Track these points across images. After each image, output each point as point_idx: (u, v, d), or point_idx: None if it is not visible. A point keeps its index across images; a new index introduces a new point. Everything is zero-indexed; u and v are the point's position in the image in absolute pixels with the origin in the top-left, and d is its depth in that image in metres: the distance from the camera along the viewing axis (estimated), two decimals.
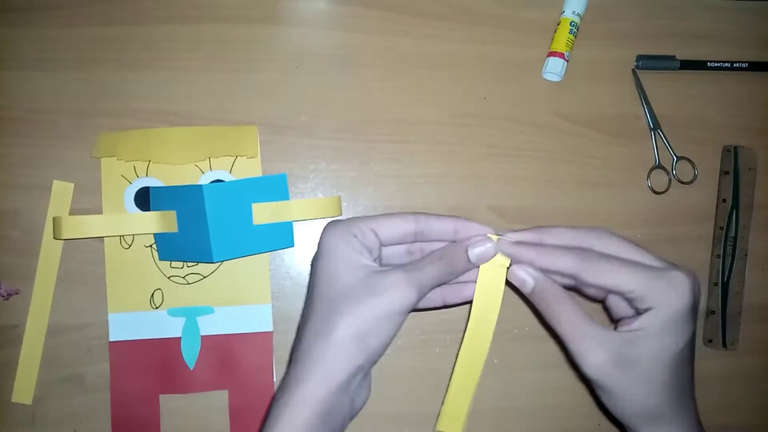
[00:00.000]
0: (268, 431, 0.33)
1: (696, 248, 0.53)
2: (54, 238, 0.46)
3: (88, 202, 0.48)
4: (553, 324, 0.35)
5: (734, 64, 0.53)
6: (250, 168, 0.49)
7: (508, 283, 0.38)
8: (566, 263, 0.34)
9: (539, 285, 0.35)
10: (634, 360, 0.33)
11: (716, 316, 0.52)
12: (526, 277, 0.36)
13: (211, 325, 0.48)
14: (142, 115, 0.49)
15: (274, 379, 0.48)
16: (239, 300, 0.48)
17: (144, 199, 0.47)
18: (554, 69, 0.51)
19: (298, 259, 0.50)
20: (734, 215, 0.53)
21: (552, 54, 0.51)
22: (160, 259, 0.47)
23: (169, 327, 0.47)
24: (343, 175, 0.50)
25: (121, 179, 0.48)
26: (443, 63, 0.52)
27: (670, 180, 0.53)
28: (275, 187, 0.45)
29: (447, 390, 0.39)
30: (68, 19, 0.49)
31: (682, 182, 0.53)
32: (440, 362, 0.50)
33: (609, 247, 0.35)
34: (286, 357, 0.49)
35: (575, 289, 0.38)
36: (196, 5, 0.50)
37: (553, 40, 0.52)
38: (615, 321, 0.38)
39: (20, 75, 0.48)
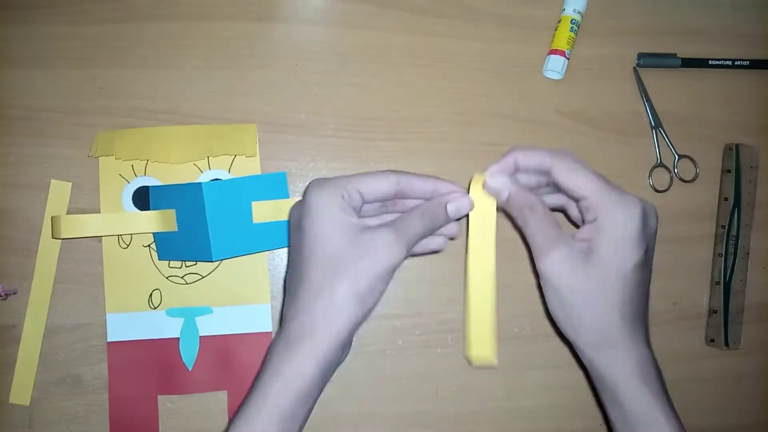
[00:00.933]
0: (269, 383, 0.34)
1: (698, 247, 0.53)
2: (52, 237, 0.46)
3: (85, 202, 0.47)
4: (524, 228, 0.37)
5: (736, 62, 0.53)
6: (248, 167, 0.48)
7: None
8: (544, 158, 0.37)
9: (514, 194, 0.37)
10: (583, 268, 0.35)
11: (718, 315, 0.52)
12: (501, 187, 0.38)
13: (209, 326, 0.47)
14: (140, 114, 0.48)
15: None
16: (238, 300, 0.48)
17: (142, 198, 0.47)
18: (555, 67, 0.51)
19: None
20: (736, 214, 0.52)
21: (553, 52, 0.51)
22: (160, 258, 0.47)
23: (167, 327, 0.47)
24: (342, 173, 0.50)
25: (119, 178, 0.47)
26: (443, 61, 0.51)
27: (671, 178, 0.53)
28: (275, 186, 0.45)
29: (467, 318, 0.39)
30: (67, 17, 0.48)
31: (684, 180, 0.53)
32: (442, 362, 0.50)
33: (574, 161, 0.37)
34: None
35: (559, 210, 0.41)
36: (195, 3, 0.49)
37: (554, 37, 0.51)
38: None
39: (18, 73, 0.48)
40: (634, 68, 0.53)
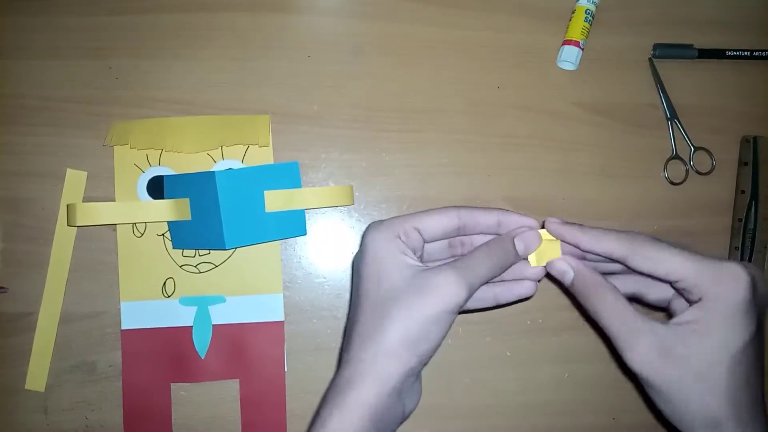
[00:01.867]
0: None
1: (714, 240, 0.52)
2: (68, 225, 0.46)
3: (100, 191, 0.48)
4: (596, 316, 0.33)
5: (754, 53, 0.52)
6: (262, 157, 0.48)
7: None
8: (613, 245, 0.33)
9: (579, 275, 0.34)
10: (684, 355, 0.31)
11: None
12: (566, 268, 0.35)
13: (222, 315, 0.48)
14: (154, 104, 0.49)
15: (285, 369, 0.48)
16: (251, 289, 0.48)
17: (156, 188, 0.47)
18: (569, 58, 0.50)
19: (309, 248, 0.49)
20: (753, 207, 0.52)
21: (567, 42, 0.51)
22: (174, 247, 0.47)
23: (180, 316, 0.47)
24: (355, 165, 0.50)
25: (134, 168, 0.48)
26: (457, 51, 0.51)
27: (687, 171, 0.52)
28: (287, 175, 0.45)
29: None
30: (82, 8, 0.49)
31: (700, 173, 0.52)
32: (453, 354, 0.50)
33: (653, 243, 0.33)
34: (297, 347, 0.48)
35: (633, 298, 0.37)
36: None
37: (568, 28, 0.51)
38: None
39: (34, 63, 0.48)
40: (650, 59, 0.52)
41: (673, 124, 0.52)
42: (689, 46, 0.52)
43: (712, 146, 0.52)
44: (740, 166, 0.52)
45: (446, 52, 0.51)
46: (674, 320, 0.32)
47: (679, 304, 0.36)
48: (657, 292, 0.36)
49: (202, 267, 0.48)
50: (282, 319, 0.48)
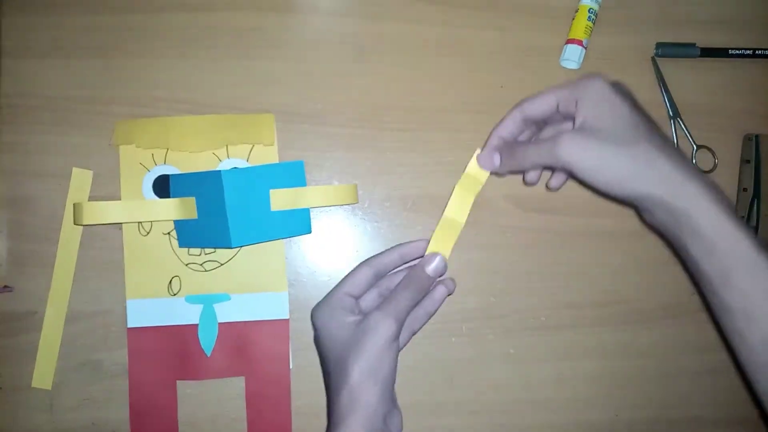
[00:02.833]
0: None
1: None
2: (74, 223, 0.46)
3: (106, 190, 0.48)
4: (532, 161, 0.40)
5: (756, 51, 0.52)
6: (266, 156, 0.49)
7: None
8: (509, 125, 0.43)
9: (504, 153, 0.43)
10: (593, 131, 0.38)
11: None
12: (492, 157, 0.44)
13: (228, 313, 0.48)
14: (160, 103, 0.49)
15: (291, 367, 0.48)
16: (256, 287, 0.48)
17: (162, 187, 0.48)
18: (572, 56, 0.51)
19: (314, 247, 0.50)
20: (755, 205, 0.52)
21: (570, 41, 0.51)
22: (180, 246, 0.48)
23: (186, 314, 0.48)
24: (359, 164, 0.50)
25: (140, 167, 0.48)
26: (460, 50, 0.51)
27: None
28: (292, 174, 0.45)
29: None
30: (86, 7, 0.49)
31: (703, 171, 0.52)
32: (456, 351, 0.50)
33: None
34: (302, 344, 0.49)
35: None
36: None
37: (571, 27, 0.51)
38: None
39: (38, 63, 0.48)
40: (653, 58, 0.52)
41: (676, 122, 0.52)
42: (692, 45, 0.52)
43: (714, 144, 0.52)
44: (742, 164, 0.53)
45: (449, 52, 0.51)
46: (575, 126, 0.39)
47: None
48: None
49: (208, 265, 0.48)
50: (287, 316, 0.48)
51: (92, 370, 0.48)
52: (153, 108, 0.49)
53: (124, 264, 0.48)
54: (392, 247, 0.45)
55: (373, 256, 0.44)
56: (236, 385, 0.48)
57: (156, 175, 0.48)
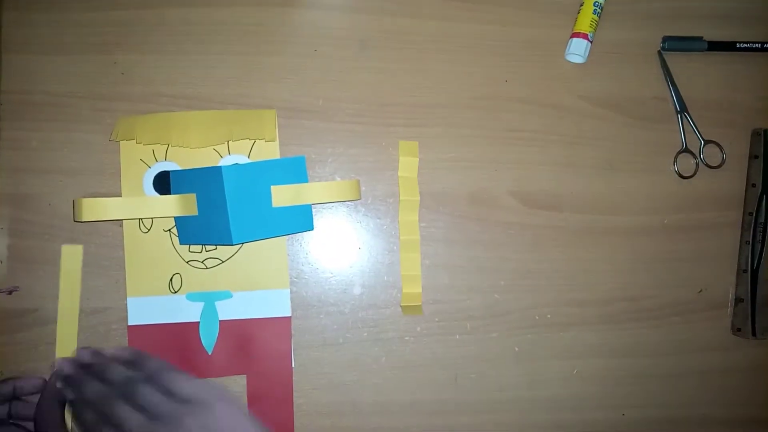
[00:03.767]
0: None
1: (724, 234, 0.52)
2: (74, 220, 0.46)
3: (107, 186, 0.48)
4: None
5: (764, 45, 0.52)
6: (268, 152, 0.48)
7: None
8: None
9: None
10: None
11: (745, 304, 0.51)
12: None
13: (229, 310, 0.48)
14: (160, 99, 0.48)
15: (293, 365, 0.48)
16: (257, 285, 0.48)
17: (163, 183, 0.47)
18: (578, 50, 0.50)
19: (316, 243, 0.49)
20: (764, 200, 0.51)
21: (575, 35, 0.50)
22: (181, 243, 0.47)
23: (187, 311, 0.47)
24: (361, 160, 0.50)
25: (140, 163, 0.47)
26: (463, 45, 0.51)
27: (697, 164, 0.52)
28: (294, 170, 0.45)
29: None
30: (88, 3, 0.49)
31: (710, 166, 0.52)
32: (460, 350, 0.50)
33: None
34: (305, 342, 0.48)
35: None
36: None
37: (576, 20, 0.50)
38: None
39: (39, 59, 0.48)
40: (659, 52, 0.52)
41: (683, 117, 0.51)
42: (699, 39, 0.51)
43: (722, 139, 0.52)
44: (751, 159, 0.52)
45: (452, 46, 0.51)
46: None
47: None
48: None
49: (209, 262, 0.48)
50: (289, 314, 0.48)
51: None
52: (154, 104, 0.48)
53: (124, 261, 0.47)
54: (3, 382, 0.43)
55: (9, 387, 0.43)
56: (238, 383, 0.48)
57: (157, 172, 0.47)
